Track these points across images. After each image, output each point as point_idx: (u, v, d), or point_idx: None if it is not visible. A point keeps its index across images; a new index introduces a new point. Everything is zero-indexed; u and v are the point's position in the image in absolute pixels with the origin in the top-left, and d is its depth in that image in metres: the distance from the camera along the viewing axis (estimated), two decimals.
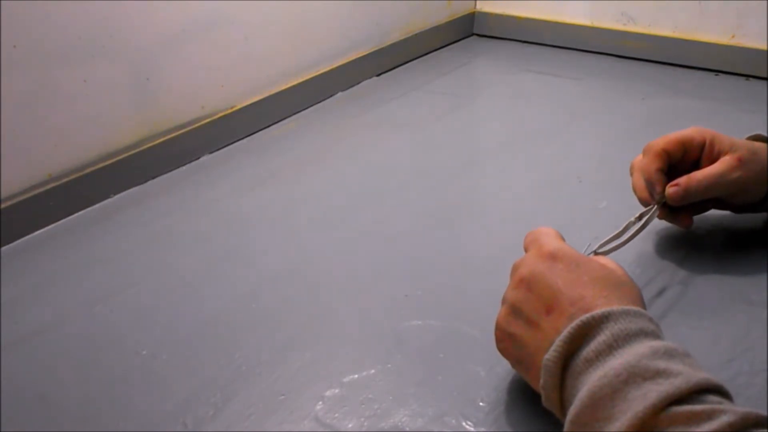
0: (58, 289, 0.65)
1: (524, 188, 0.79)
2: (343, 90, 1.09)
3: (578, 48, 1.24)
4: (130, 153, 0.81)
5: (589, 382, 0.37)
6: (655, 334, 0.39)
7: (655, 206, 0.60)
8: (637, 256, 0.64)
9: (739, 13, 1.07)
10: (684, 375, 0.35)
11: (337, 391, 0.51)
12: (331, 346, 0.56)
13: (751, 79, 1.08)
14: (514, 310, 0.44)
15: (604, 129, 0.94)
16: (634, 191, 0.63)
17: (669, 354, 0.37)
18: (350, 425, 0.48)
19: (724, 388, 0.36)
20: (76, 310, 0.62)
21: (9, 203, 0.71)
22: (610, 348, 0.38)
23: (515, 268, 0.47)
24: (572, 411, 0.37)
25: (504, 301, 0.46)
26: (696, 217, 0.64)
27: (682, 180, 0.59)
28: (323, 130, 0.96)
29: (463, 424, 0.47)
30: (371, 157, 0.89)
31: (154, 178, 0.84)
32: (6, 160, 0.70)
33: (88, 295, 0.63)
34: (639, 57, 1.18)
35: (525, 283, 0.44)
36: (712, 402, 0.34)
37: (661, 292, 0.60)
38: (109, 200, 0.80)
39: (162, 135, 0.85)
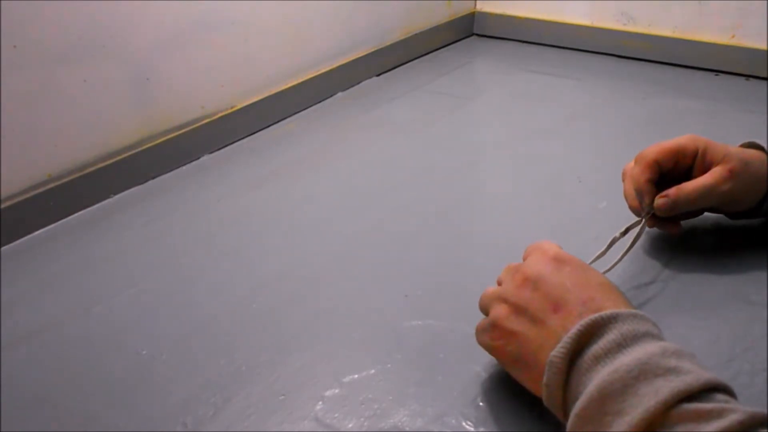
0: (58, 289, 0.65)
1: (524, 188, 0.79)
2: (343, 90, 1.09)
3: (578, 48, 1.24)
4: (130, 153, 0.81)
5: (598, 378, 0.37)
6: (660, 338, 0.40)
7: (643, 221, 0.60)
8: (635, 255, 0.64)
9: (739, 13, 1.07)
10: (694, 373, 0.36)
11: (337, 391, 0.51)
12: (331, 346, 0.56)
13: (751, 79, 1.08)
14: (517, 308, 0.44)
15: (604, 129, 0.94)
16: (626, 199, 0.63)
17: (678, 354, 0.37)
18: (350, 425, 0.48)
19: (730, 388, 0.36)
20: (77, 310, 0.62)
21: (9, 203, 0.71)
22: (620, 346, 0.38)
23: (514, 271, 0.47)
24: (579, 405, 0.37)
25: (504, 300, 0.46)
26: (695, 218, 0.64)
27: (672, 191, 0.58)
28: (323, 130, 0.96)
29: (463, 424, 0.47)
30: (371, 157, 0.89)
31: (154, 178, 0.85)
32: (6, 160, 0.70)
33: (88, 295, 0.63)
34: (639, 57, 1.18)
35: (530, 282, 0.45)
36: (720, 401, 0.35)
37: (660, 292, 0.60)
38: (109, 200, 0.80)
39: (162, 135, 0.85)
